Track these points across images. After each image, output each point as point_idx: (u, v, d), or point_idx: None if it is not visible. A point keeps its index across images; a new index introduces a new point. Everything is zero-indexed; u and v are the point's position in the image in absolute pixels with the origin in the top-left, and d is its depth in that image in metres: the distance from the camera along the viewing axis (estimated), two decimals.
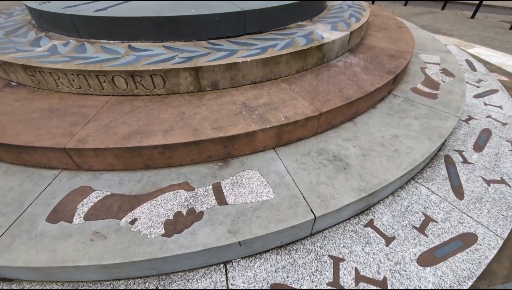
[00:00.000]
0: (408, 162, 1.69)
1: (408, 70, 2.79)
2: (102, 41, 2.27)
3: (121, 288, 1.26)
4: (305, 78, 2.17)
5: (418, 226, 1.55)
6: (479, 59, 3.94)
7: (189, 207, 1.40)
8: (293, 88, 2.03)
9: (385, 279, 1.30)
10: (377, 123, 2.02)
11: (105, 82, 1.85)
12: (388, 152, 1.76)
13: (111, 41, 2.25)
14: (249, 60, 1.92)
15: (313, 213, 1.37)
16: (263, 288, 1.25)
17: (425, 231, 1.52)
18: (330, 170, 1.62)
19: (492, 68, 3.66)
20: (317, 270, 1.33)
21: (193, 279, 1.29)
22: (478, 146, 2.14)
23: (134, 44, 2.19)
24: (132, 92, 1.92)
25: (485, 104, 2.69)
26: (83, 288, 1.27)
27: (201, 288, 1.25)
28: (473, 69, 3.43)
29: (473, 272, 1.34)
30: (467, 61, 3.66)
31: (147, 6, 2.38)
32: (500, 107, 2.64)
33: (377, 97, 2.19)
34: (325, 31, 2.46)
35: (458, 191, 1.77)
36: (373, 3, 11.42)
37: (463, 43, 5.67)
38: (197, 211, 1.38)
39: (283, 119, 1.69)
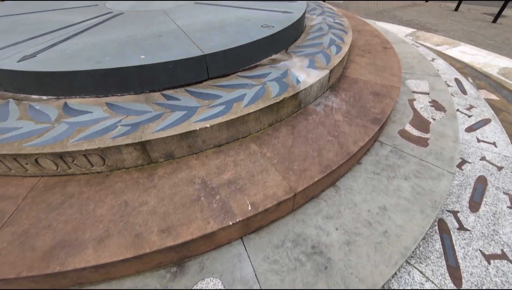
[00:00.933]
0: (400, 252, 1.43)
1: (395, 104, 2.53)
2: (33, 96, 1.87)
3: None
4: (279, 134, 1.86)
5: None
6: (467, 73, 3.74)
7: None
8: (264, 152, 1.72)
9: None
10: (363, 189, 1.75)
11: (27, 164, 1.48)
12: (376, 237, 1.49)
13: (44, 97, 1.86)
14: (208, 125, 1.59)
15: None
16: None
17: None
18: (308, 272, 1.33)
19: (480, 84, 3.47)
20: None
21: None
22: (474, 203, 1.92)
23: (72, 101, 1.80)
24: (66, 172, 1.55)
25: (478, 141, 2.47)
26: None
27: None
28: (463, 91, 3.21)
29: None
30: (457, 81, 3.44)
31: (87, 49, 1.98)
32: (494, 144, 2.43)
33: (362, 153, 1.91)
34: (301, 70, 2.14)
35: (455, 275, 1.53)
36: None
37: (448, 41, 5.50)
38: None
39: (249, 208, 1.39)
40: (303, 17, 2.79)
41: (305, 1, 3.17)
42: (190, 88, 1.93)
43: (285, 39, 2.48)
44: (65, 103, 1.78)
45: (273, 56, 2.38)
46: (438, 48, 5.12)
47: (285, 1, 3.16)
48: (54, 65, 1.76)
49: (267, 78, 2.03)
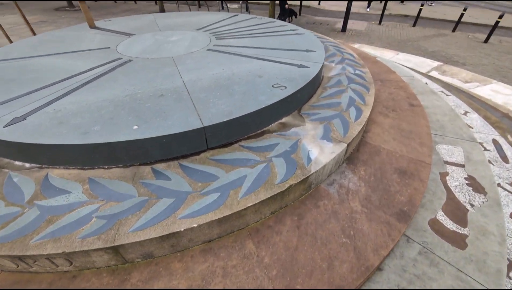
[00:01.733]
0: None
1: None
2: (16, 163, 1.72)
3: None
4: (282, 227, 1.56)
5: None
6: (505, 128, 3.28)
7: None
8: (262, 256, 1.42)
9: None
10: None
11: None
12: None
13: (27, 165, 1.70)
14: (196, 225, 1.33)
15: None
16: None
17: None
18: None
19: None
20: None
21: None
22: None
23: (54, 173, 1.63)
24: (28, 270, 1.33)
25: None
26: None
27: None
28: (504, 158, 2.78)
29: None
30: (495, 143, 3.01)
31: (80, 112, 1.83)
32: None
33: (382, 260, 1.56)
34: (314, 142, 1.87)
35: None
36: (380, 23, 10.94)
37: (478, 78, 5.06)
38: None
39: None
40: (320, 72, 2.56)
41: (323, 51, 2.95)
42: (184, 162, 1.71)
43: (298, 100, 2.24)
44: (46, 176, 1.60)
45: (283, 120, 2.13)
46: (467, 86, 4.71)
47: (302, 51, 2.96)
48: (39, 133, 1.61)
49: (273, 153, 1.77)
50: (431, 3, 15.46)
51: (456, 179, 2.20)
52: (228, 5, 12.17)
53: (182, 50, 2.95)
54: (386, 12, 12.37)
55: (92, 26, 3.94)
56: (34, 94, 2.08)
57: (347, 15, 9.28)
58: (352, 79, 2.83)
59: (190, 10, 11.84)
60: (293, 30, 3.80)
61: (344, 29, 9.57)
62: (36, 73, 2.44)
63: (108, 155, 1.62)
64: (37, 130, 1.65)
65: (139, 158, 1.68)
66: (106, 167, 1.67)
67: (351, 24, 10.65)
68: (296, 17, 11.00)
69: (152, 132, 1.61)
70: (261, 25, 4.09)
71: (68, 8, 12.83)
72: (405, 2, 15.04)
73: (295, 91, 2.11)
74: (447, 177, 2.22)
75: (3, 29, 4.68)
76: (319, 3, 15.37)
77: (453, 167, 2.33)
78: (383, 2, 12.10)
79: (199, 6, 12.38)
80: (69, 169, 1.66)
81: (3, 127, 1.68)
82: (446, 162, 2.38)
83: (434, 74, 5.35)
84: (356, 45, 6.92)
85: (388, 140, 2.28)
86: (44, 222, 1.34)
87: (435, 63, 5.97)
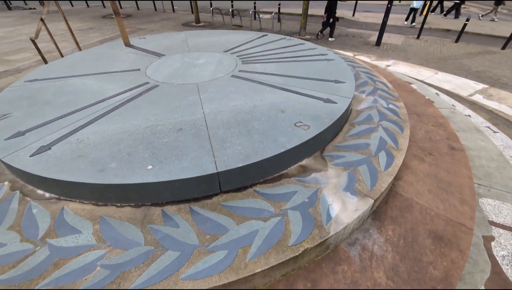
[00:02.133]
0: None
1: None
2: (38, 191, 1.78)
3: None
4: None
5: None
6: None
7: None
8: None
9: None
10: None
11: None
12: None
13: (47, 195, 1.75)
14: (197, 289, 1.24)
15: None
16: None
17: None
18: None
19: None
20: None
21: None
22: None
23: (70, 206, 1.65)
24: None
25: None
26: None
27: None
28: None
29: None
30: None
31: (100, 144, 1.86)
32: None
33: None
34: (335, 194, 1.71)
35: None
36: (418, 38, 10.26)
37: None
38: None
39: None
40: (348, 108, 2.38)
41: (353, 82, 2.76)
42: (195, 206, 1.64)
43: (322, 141, 2.09)
44: (62, 210, 1.63)
45: (304, 162, 1.99)
46: None
47: (330, 82, 2.80)
48: (60, 167, 1.65)
49: (290, 204, 1.64)
50: (485, 16, 14.05)
51: (504, 247, 1.88)
52: (260, 15, 12.27)
53: (207, 76, 2.95)
54: (425, 26, 11.58)
55: (127, 44, 4.13)
56: (64, 119, 2.17)
57: (382, 28, 8.79)
58: (384, 115, 2.60)
59: (223, 20, 12.15)
60: (323, 54, 3.65)
61: (378, 43, 9.02)
62: (70, 95, 2.57)
63: (121, 194, 1.61)
64: (58, 163, 1.69)
65: (151, 198, 1.65)
66: (119, 205, 1.66)
67: (386, 37, 9.98)
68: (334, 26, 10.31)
69: (165, 175, 1.57)
70: (290, 47, 3.99)
71: (113, 16, 13.85)
72: (457, 16, 13.94)
73: (319, 133, 1.96)
74: (493, 243, 1.90)
75: (74, 38, 5.06)
76: (353, 15, 14.94)
77: (501, 231, 2.00)
78: (423, 14, 11.39)
79: (233, 16, 12.64)
80: (83, 203, 1.68)
81: (30, 156, 1.75)
82: (492, 223, 2.05)
83: (478, 98, 4.80)
84: (391, 62, 6.53)
85: (423, 192, 2.03)
86: (52, 265, 1.33)
87: (480, 86, 5.38)
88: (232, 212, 1.60)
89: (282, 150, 1.77)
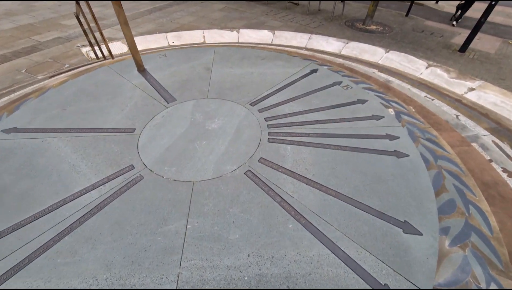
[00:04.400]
0: None
1: None
2: None
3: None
4: None
5: None
6: None
7: None
8: None
9: None
10: None
11: None
12: None
13: None
14: None
15: None
16: None
17: None
18: None
19: None
20: None
21: None
22: None
23: None
24: None
25: None
26: None
27: None
28: None
29: None
30: None
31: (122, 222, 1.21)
32: None
33: None
34: None
35: None
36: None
37: None
38: None
39: None
40: None
41: (437, 225, 1.66)
42: None
43: None
44: None
45: None
46: None
47: (397, 225, 1.73)
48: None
49: None
50: None
51: None
52: None
53: (211, 165, 2.09)
54: None
55: (141, 69, 3.39)
56: (41, 219, 1.58)
57: (475, 30, 6.07)
58: None
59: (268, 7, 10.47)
60: (388, 127, 2.44)
61: (464, 48, 6.39)
62: (34, 178, 1.99)
63: None
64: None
65: None
66: None
67: (475, 40, 6.74)
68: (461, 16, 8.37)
69: None
70: (344, 107, 2.81)
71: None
72: None
73: None
74: None
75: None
76: (436, 2, 11.45)
77: None
78: None
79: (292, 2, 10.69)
80: None
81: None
82: None
83: None
84: (476, 83, 4.54)
85: None
86: None
87: None
88: None
89: None
